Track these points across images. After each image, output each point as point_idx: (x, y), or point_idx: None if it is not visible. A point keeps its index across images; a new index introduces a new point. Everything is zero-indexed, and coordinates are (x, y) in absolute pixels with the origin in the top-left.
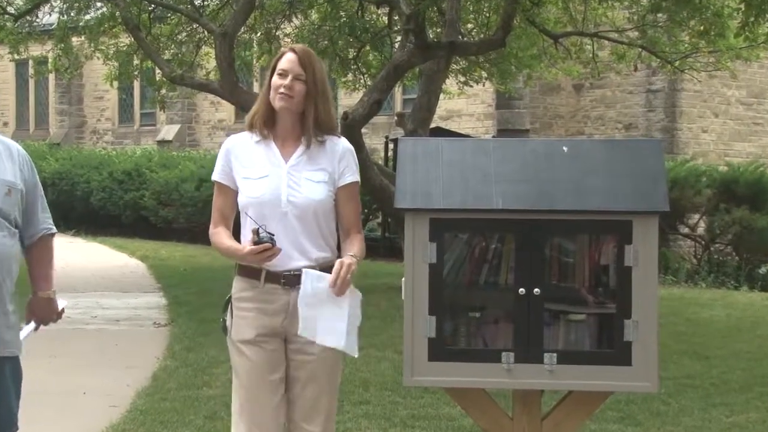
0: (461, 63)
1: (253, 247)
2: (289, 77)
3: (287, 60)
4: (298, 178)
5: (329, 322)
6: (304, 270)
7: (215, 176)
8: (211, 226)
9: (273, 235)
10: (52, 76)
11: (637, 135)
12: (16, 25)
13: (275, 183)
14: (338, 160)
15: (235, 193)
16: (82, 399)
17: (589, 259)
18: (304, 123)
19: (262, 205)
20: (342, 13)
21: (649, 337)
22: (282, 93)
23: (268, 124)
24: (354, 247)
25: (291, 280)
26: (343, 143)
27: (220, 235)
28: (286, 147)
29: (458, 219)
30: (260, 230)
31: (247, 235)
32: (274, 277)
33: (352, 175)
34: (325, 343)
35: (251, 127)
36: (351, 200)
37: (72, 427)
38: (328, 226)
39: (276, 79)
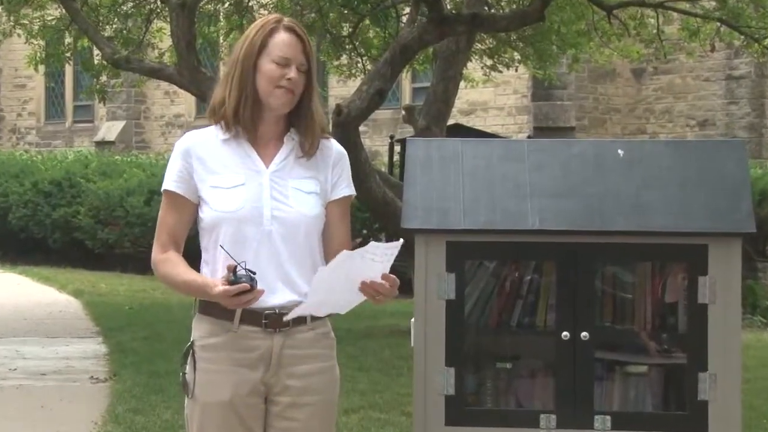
0: (488, 42)
1: (227, 287)
2: (293, 68)
3: (287, 44)
4: (283, 186)
5: (338, 294)
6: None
7: (168, 185)
8: (155, 251)
9: (254, 273)
10: None
11: (715, 134)
12: None
13: (255, 193)
14: (331, 167)
15: (194, 207)
16: None
17: (651, 294)
18: (305, 123)
19: (240, 222)
20: None
21: (731, 395)
22: (285, 88)
23: (255, 121)
24: None
25: (275, 320)
26: (335, 146)
27: (172, 263)
28: (265, 148)
29: (483, 243)
30: (238, 268)
31: (212, 267)
32: (252, 318)
33: (348, 187)
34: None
35: (227, 121)
36: (345, 218)
37: None
38: (319, 252)
39: (273, 69)
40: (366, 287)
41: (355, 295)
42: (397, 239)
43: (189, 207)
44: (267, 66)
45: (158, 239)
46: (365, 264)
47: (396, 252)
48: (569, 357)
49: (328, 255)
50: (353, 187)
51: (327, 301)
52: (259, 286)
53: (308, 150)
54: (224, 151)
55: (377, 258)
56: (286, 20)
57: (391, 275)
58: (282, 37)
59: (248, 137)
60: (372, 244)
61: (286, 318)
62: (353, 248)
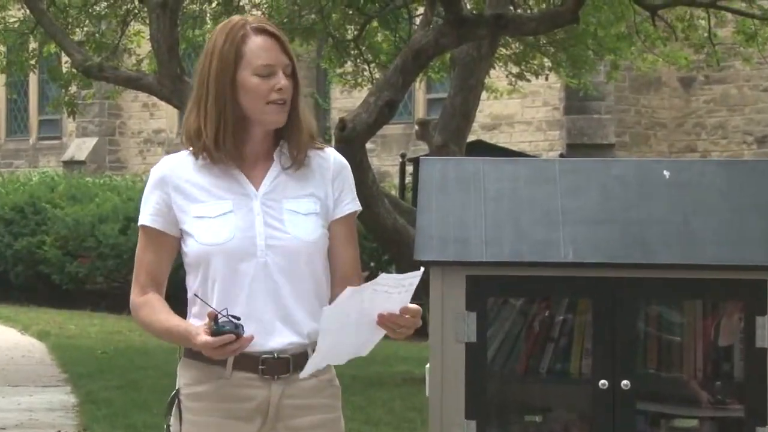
0: (513, 46)
1: (208, 339)
2: (280, 75)
3: (265, 49)
4: (277, 210)
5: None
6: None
7: (144, 219)
8: (134, 294)
9: (239, 319)
10: None
11: None
12: None
13: (245, 220)
14: (331, 180)
15: (175, 242)
16: None
17: (702, 337)
18: (291, 132)
19: (230, 255)
20: None
21: None
22: (276, 102)
23: (238, 145)
24: None
25: (273, 366)
26: (333, 156)
27: (152, 307)
28: (252, 168)
29: (508, 277)
30: (219, 316)
31: (201, 308)
32: (247, 363)
33: (353, 202)
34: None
35: (209, 153)
36: (351, 239)
37: None
38: (326, 281)
39: (258, 83)
40: (383, 319)
41: (374, 332)
42: (413, 270)
43: (170, 242)
44: (250, 81)
45: (137, 280)
46: (378, 297)
47: (415, 283)
48: (608, 409)
49: (335, 282)
50: (359, 202)
51: (341, 344)
52: (255, 328)
53: (297, 156)
54: (206, 175)
55: (391, 290)
56: (251, 20)
57: (412, 305)
58: (257, 43)
59: (232, 158)
60: (382, 276)
61: (301, 375)
62: (361, 277)
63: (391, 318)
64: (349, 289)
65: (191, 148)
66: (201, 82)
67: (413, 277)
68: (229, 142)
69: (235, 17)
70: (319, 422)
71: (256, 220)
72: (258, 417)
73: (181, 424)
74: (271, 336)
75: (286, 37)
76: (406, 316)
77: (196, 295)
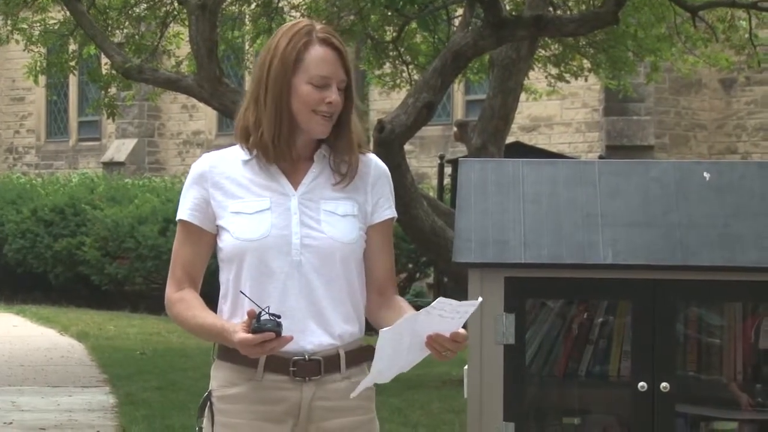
0: (553, 48)
1: (247, 336)
2: (333, 88)
3: (325, 61)
4: (314, 210)
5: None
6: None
7: (183, 214)
8: (169, 289)
9: (279, 318)
10: None
11: None
12: None
13: (282, 219)
14: (371, 186)
15: (212, 238)
16: None
17: (742, 339)
18: (342, 142)
19: (264, 252)
20: None
21: None
22: (324, 114)
23: (290, 145)
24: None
25: (304, 368)
26: (375, 161)
27: (187, 304)
28: (293, 168)
29: (547, 279)
30: (262, 313)
31: (233, 303)
32: (278, 365)
33: (390, 208)
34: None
35: (264, 149)
36: (387, 245)
37: None
38: (359, 284)
39: (311, 91)
40: (431, 341)
41: (419, 352)
42: (451, 276)
43: (207, 238)
44: (303, 88)
45: (172, 275)
46: (432, 320)
47: (471, 311)
48: (647, 411)
49: (369, 287)
50: (395, 209)
51: (393, 365)
52: (287, 328)
53: (347, 173)
54: (246, 173)
55: (446, 314)
56: (319, 28)
57: (461, 331)
58: (318, 53)
59: (276, 159)
60: (440, 300)
61: (352, 396)
62: (396, 285)
63: (439, 339)
64: (408, 314)
65: (244, 144)
66: (261, 78)
67: (470, 306)
68: (284, 141)
69: (304, 21)
70: (351, 424)
71: (293, 219)
72: (289, 419)
73: (213, 426)
74: (303, 335)
75: (348, 52)
76: (454, 341)
77: (242, 292)
